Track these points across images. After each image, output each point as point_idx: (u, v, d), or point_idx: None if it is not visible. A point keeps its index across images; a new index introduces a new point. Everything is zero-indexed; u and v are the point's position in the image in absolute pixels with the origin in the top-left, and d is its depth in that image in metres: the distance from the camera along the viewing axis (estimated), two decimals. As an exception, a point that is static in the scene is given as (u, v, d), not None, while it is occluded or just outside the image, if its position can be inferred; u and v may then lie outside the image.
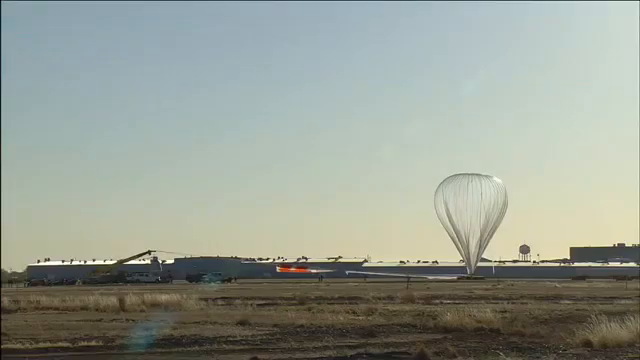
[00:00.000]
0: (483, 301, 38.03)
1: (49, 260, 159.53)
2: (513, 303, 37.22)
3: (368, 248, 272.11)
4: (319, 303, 36.68)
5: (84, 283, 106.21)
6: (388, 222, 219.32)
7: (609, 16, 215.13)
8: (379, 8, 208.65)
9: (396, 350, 17.18)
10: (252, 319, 25.12)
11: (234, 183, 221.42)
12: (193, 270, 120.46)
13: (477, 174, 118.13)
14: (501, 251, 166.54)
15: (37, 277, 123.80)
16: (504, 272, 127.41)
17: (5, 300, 36.33)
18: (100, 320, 26.80)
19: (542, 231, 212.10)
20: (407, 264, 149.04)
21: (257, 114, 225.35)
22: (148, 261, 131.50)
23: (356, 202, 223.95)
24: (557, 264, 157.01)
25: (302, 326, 23.11)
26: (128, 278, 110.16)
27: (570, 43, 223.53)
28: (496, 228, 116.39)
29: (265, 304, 36.96)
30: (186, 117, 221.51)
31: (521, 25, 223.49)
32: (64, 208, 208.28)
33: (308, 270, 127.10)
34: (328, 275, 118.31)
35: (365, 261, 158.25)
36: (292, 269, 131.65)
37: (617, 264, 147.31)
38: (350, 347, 17.80)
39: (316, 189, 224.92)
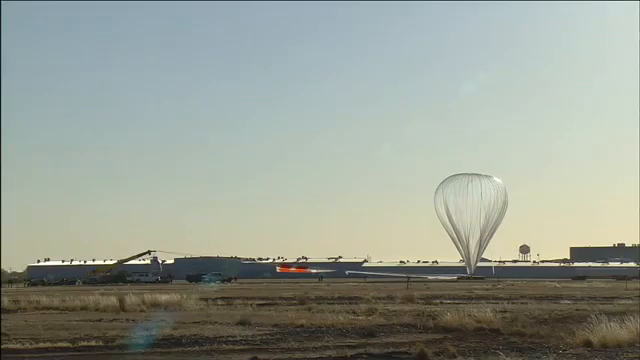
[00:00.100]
0: (483, 301, 38.02)
1: (49, 260, 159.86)
2: (513, 303, 37.23)
3: (368, 248, 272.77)
4: (319, 303, 36.69)
5: (84, 283, 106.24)
6: (388, 222, 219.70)
7: (609, 16, 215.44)
8: (379, 8, 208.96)
9: (396, 350, 17.18)
10: (252, 319, 25.12)
11: (234, 183, 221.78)
12: (193, 270, 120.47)
13: (477, 174, 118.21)
14: (501, 251, 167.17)
15: (37, 277, 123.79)
16: (504, 272, 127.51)
17: (5, 300, 36.35)
18: (100, 320, 26.79)
19: (542, 231, 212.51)
20: (407, 264, 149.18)
21: (257, 114, 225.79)
22: (148, 261, 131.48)
23: (356, 202, 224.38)
24: (557, 264, 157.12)
25: (302, 326, 23.10)
26: (128, 278, 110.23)
27: (570, 43, 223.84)
28: (496, 228, 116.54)
29: (265, 304, 36.95)
30: (186, 117, 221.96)
31: (521, 25, 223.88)
32: (64, 208, 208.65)
33: (308, 270, 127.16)
34: (328, 275, 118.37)
35: (365, 261, 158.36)
36: (292, 269, 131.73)
37: (617, 264, 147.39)
38: (350, 347, 17.79)
39: (316, 189, 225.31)
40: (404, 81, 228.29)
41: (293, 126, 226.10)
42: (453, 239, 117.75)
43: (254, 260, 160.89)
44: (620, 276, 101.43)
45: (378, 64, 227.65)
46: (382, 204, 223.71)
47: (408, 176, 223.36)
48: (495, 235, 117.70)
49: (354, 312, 28.86)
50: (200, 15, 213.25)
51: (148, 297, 36.97)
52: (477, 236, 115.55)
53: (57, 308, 34.39)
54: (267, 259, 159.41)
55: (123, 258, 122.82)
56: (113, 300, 35.14)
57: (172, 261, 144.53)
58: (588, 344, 17.56)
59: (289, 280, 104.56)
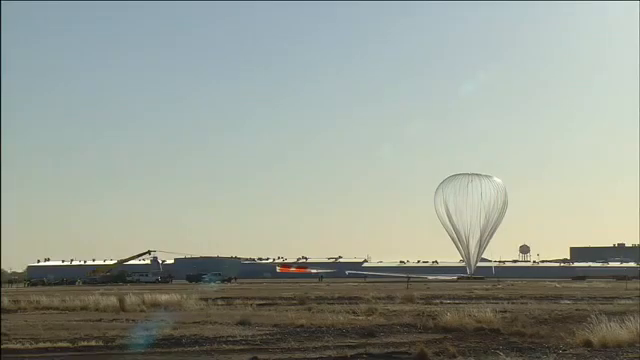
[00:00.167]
0: (483, 301, 38.02)
1: (49, 260, 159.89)
2: (513, 303, 37.23)
3: (368, 248, 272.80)
4: (319, 303, 36.69)
5: (84, 283, 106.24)
6: (388, 222, 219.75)
7: (609, 16, 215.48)
8: (379, 8, 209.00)
9: (396, 350, 17.18)
10: (252, 319, 25.12)
11: (234, 183, 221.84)
12: (193, 270, 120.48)
13: (477, 174, 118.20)
14: (501, 251, 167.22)
15: (37, 277, 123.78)
16: (504, 272, 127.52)
17: (5, 300, 36.35)
18: (100, 320, 26.79)
19: (542, 231, 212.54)
20: (407, 264, 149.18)
21: (257, 114, 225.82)
22: (148, 261, 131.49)
23: (356, 202, 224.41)
24: (557, 264, 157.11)
25: (302, 326, 23.10)
26: (128, 278, 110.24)
27: (570, 43, 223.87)
28: (496, 228, 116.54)
29: (265, 304, 36.95)
30: (186, 117, 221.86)
31: (521, 25, 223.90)
32: (64, 208, 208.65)
33: (308, 270, 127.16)
34: (328, 275, 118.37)
35: (365, 261, 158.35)
36: (292, 269, 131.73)
37: (617, 264, 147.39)
38: (350, 347, 17.79)
39: (316, 189, 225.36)
40: (404, 81, 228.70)
41: (293, 126, 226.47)
42: (453, 239, 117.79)
43: (254, 260, 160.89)
44: (620, 276, 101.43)
45: (378, 64, 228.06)
46: (382, 204, 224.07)
47: (408, 176, 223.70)
48: (495, 235, 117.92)
49: (354, 312, 28.85)
50: (200, 15, 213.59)
51: (148, 297, 36.97)
52: (477, 236, 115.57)
53: (57, 308, 34.39)
54: (267, 259, 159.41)
55: (123, 258, 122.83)
56: (113, 300, 35.14)
57: (172, 261, 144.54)
58: (588, 344, 17.56)
59: (289, 280, 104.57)
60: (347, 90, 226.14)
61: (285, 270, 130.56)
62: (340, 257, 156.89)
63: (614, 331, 18.12)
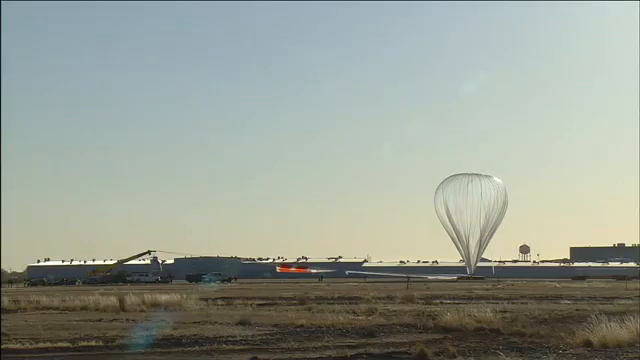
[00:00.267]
0: (483, 301, 38.02)
1: (49, 260, 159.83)
2: (513, 303, 37.23)
3: (368, 248, 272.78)
4: (319, 303, 36.69)
5: (84, 283, 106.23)
6: (388, 222, 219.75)
7: (609, 16, 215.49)
8: (379, 8, 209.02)
9: (396, 350, 17.18)
10: (252, 319, 25.12)
11: (234, 183, 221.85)
12: (193, 270, 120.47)
13: (477, 174, 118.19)
14: (501, 251, 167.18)
15: (37, 277, 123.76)
16: (504, 272, 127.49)
17: (5, 300, 36.35)
18: (100, 320, 26.79)
19: (542, 231, 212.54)
20: (407, 264, 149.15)
21: (257, 114, 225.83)
22: (148, 261, 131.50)
23: (356, 202, 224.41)
24: (557, 264, 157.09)
25: (302, 326, 23.10)
26: (128, 278, 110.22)
27: (570, 43, 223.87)
28: (496, 228, 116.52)
29: (265, 304, 36.95)
30: (186, 117, 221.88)
31: (521, 25, 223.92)
32: (64, 208, 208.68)
33: (308, 270, 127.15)
34: (328, 275, 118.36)
35: (365, 261, 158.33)
36: (292, 269, 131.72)
37: (617, 264, 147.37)
38: (350, 347, 17.79)
39: (316, 189, 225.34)
40: (404, 81, 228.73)
41: (293, 126, 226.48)
42: (453, 239, 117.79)
43: (254, 260, 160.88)
44: (620, 276, 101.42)
45: (378, 64, 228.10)
46: (382, 204, 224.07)
47: (408, 176, 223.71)
48: (495, 235, 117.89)
49: (354, 312, 28.86)
50: (200, 15, 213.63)
51: (148, 297, 36.97)
52: (477, 236, 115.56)
53: (57, 308, 34.39)
54: (267, 259, 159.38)
55: (123, 258, 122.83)
56: (113, 300, 35.14)
57: (172, 261, 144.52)
58: (588, 344, 17.56)
59: (289, 280, 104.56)
60: (347, 90, 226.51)
61: (285, 270, 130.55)
62: (340, 257, 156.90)
63: (614, 331, 18.12)
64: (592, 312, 22.28)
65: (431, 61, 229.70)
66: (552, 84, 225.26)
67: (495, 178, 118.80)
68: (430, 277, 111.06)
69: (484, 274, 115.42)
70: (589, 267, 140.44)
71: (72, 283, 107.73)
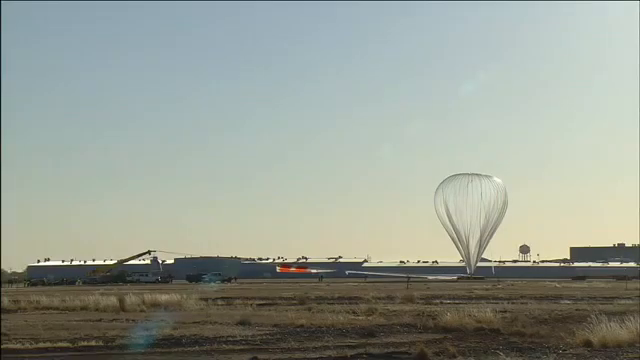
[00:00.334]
0: (483, 301, 38.02)
1: (49, 260, 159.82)
2: (513, 303, 37.23)
3: (368, 248, 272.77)
4: (319, 303, 36.69)
5: (84, 283, 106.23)
6: (388, 222, 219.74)
7: (609, 16, 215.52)
8: (379, 8, 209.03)
9: (396, 350, 17.18)
10: (252, 319, 25.12)
11: (234, 183, 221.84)
12: (193, 270, 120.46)
13: (477, 174, 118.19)
14: (501, 251, 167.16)
15: (37, 277, 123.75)
16: (504, 272, 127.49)
17: (5, 300, 36.35)
18: (100, 320, 26.79)
19: (542, 231, 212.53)
20: (407, 264, 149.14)
21: (257, 114, 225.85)
22: (148, 261, 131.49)
23: (356, 202, 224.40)
24: (557, 264, 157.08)
25: (302, 326, 23.10)
26: (128, 278, 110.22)
27: (570, 43, 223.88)
28: (496, 228, 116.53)
29: (265, 304, 36.95)
30: (186, 117, 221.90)
31: (521, 25, 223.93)
32: (64, 208, 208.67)
33: (308, 270, 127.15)
34: (328, 275, 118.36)
35: (365, 261, 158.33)
36: (292, 269, 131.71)
37: (617, 264, 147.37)
38: (350, 347, 17.79)
39: (316, 189, 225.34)
40: (404, 81, 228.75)
41: (293, 126, 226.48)
42: (453, 239, 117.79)
43: (254, 260, 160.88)
44: (620, 276, 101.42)
45: (378, 64, 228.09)
46: (382, 204, 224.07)
47: (408, 176, 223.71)
48: (495, 235, 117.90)
49: (354, 312, 28.86)
50: (200, 15, 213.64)
51: (148, 297, 36.97)
52: (477, 236, 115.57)
53: (57, 308, 34.39)
54: (267, 259, 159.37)
55: (123, 258, 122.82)
56: (113, 300, 35.13)
57: (172, 261, 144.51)
58: (588, 344, 17.56)
59: (289, 280, 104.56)
60: (347, 90, 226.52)
61: (285, 270, 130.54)
62: (340, 257, 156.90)
63: (614, 331, 18.12)
64: (592, 312, 22.28)
65: (431, 61, 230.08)
66: (552, 84, 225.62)
67: (495, 178, 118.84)
68: (430, 277, 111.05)
69: (484, 274, 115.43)
70: (589, 267, 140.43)
71: (72, 283, 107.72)
